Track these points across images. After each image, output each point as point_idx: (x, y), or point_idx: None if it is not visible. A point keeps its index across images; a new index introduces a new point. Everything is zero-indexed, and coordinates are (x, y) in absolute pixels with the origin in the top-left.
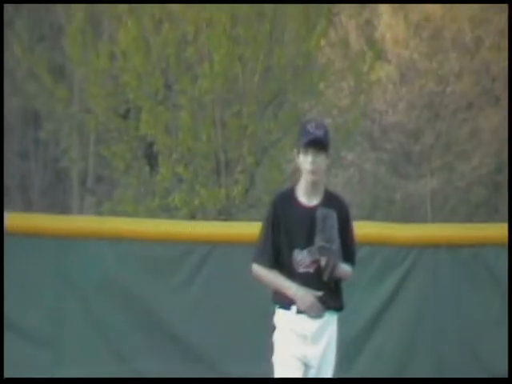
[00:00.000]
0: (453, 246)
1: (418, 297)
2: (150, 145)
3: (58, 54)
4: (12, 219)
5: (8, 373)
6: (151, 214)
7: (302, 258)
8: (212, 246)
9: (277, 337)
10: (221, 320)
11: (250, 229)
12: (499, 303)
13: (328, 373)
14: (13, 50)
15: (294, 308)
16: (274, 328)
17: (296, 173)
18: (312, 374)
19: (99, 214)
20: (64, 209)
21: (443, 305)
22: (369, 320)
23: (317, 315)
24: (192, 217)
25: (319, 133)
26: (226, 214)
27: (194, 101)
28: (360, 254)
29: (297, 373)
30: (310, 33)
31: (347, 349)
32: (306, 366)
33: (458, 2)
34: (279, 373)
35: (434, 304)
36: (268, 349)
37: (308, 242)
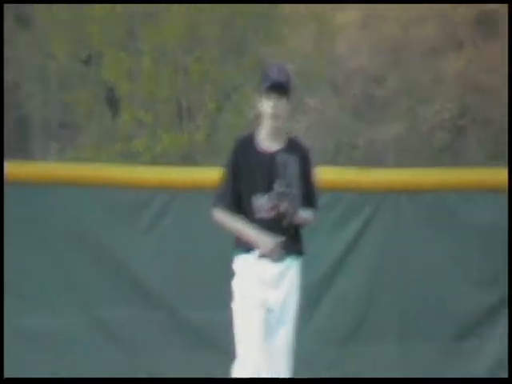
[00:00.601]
0: (416, 191)
1: (381, 242)
2: (112, 90)
3: None
4: None
5: None
6: (113, 159)
7: (262, 204)
8: (174, 191)
9: (237, 283)
10: (183, 266)
11: (213, 174)
12: (461, 248)
13: (290, 317)
14: None
15: (254, 253)
16: (234, 274)
17: (258, 118)
18: (274, 319)
19: (62, 160)
20: (27, 155)
21: (406, 250)
22: (331, 265)
23: (278, 259)
24: (154, 162)
25: (281, 77)
26: (188, 160)
27: (156, 47)
28: (322, 199)
29: (258, 318)
30: None
31: (310, 294)
32: (268, 310)
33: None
34: (240, 318)
35: (397, 249)
36: (229, 295)
37: (268, 187)
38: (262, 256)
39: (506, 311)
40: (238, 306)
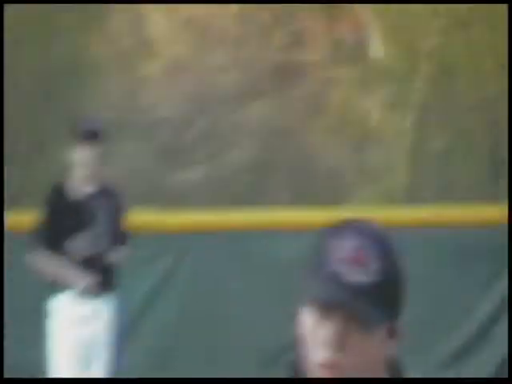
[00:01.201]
0: (220, 231)
1: (189, 279)
2: None
3: None
4: None
5: None
6: None
7: (77, 245)
8: None
9: (53, 324)
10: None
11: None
12: (279, 287)
13: (103, 354)
14: None
15: (71, 290)
16: (49, 315)
17: (72, 166)
18: (89, 355)
19: None
20: None
21: (215, 289)
22: (143, 302)
23: (93, 295)
24: None
25: (93, 126)
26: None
27: None
28: (133, 240)
29: (74, 358)
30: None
31: (124, 328)
32: (85, 349)
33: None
34: (58, 359)
35: (205, 287)
36: (46, 335)
37: (83, 231)
38: (79, 293)
39: None
40: (54, 346)
